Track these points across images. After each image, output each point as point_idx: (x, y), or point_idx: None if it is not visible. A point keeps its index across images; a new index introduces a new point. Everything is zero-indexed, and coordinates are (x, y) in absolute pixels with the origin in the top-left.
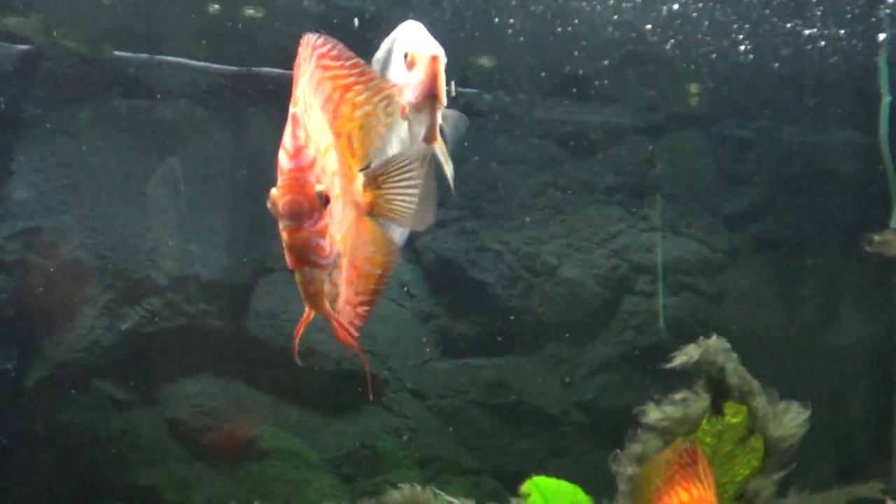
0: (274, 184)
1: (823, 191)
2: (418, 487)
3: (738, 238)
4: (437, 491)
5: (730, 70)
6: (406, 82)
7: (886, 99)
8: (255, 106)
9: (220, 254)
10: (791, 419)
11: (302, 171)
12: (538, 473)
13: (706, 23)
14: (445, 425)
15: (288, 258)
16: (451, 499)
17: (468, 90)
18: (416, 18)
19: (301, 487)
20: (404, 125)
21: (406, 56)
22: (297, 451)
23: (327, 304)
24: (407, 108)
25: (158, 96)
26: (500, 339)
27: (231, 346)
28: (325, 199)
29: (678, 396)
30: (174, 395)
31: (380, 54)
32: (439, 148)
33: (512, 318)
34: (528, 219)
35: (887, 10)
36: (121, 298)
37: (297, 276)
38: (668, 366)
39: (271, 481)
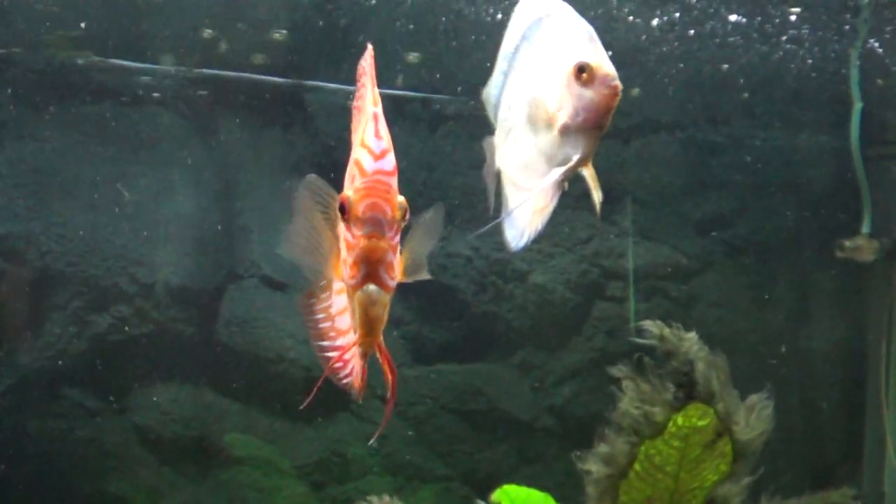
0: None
1: (795, 196)
2: (387, 498)
3: (710, 243)
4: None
5: (701, 75)
6: (564, 95)
7: (858, 105)
8: (225, 111)
9: (189, 260)
10: (757, 418)
11: (387, 175)
12: (509, 480)
13: (676, 28)
14: (416, 432)
15: (355, 272)
16: None
17: (439, 97)
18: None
19: (271, 495)
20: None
21: (582, 70)
22: (267, 458)
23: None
24: (558, 125)
25: (128, 102)
26: (470, 345)
27: (201, 353)
28: (404, 213)
29: (645, 388)
30: (143, 402)
31: (511, 42)
32: (589, 172)
33: (482, 324)
34: (497, 224)
35: (861, 15)
36: (89, 305)
37: (359, 297)
38: (643, 342)
39: (241, 488)
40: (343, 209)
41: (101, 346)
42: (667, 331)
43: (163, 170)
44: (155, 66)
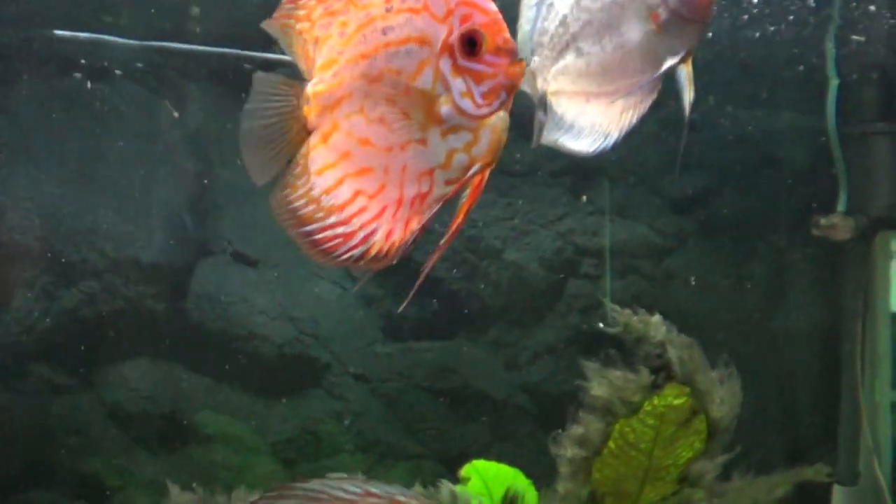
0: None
1: (771, 175)
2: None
3: (685, 222)
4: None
5: None
6: None
7: (834, 82)
8: (195, 85)
9: (159, 236)
10: (728, 393)
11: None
12: (482, 457)
13: None
14: (388, 409)
15: (491, 99)
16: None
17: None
18: None
19: (242, 472)
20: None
21: None
22: (238, 435)
23: None
24: (663, 17)
25: (97, 75)
26: (443, 322)
27: (170, 330)
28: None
29: (618, 373)
30: (113, 378)
31: None
32: (688, 70)
33: (456, 301)
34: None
35: None
36: (58, 281)
37: (499, 122)
38: (609, 331)
39: (212, 466)
40: (474, 42)
41: (71, 322)
42: (633, 318)
43: (133, 144)
44: (126, 40)
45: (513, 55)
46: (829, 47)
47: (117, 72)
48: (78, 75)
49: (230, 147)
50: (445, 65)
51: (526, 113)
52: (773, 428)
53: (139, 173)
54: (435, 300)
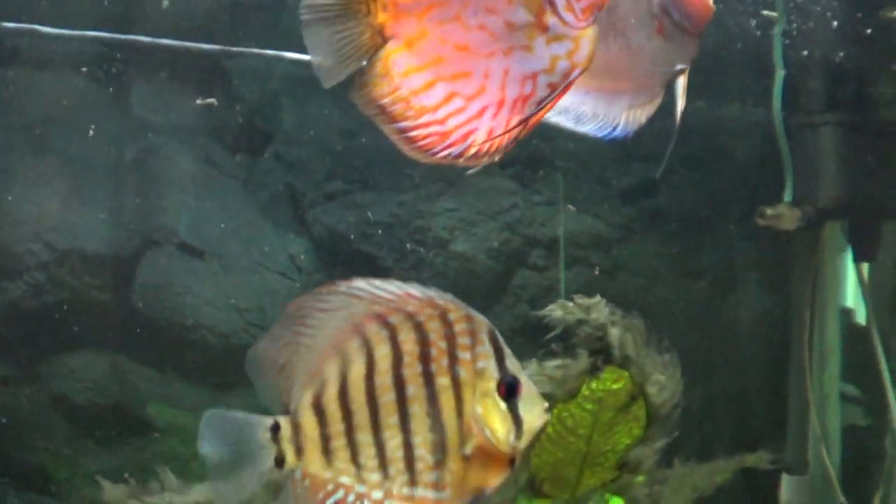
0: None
1: (719, 166)
2: None
3: (633, 212)
4: None
5: None
6: None
7: (780, 73)
8: (142, 77)
9: (104, 227)
10: (671, 380)
11: None
12: None
13: None
14: None
15: (588, 15)
16: None
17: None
18: None
19: (189, 463)
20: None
21: None
22: (185, 426)
23: None
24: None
25: (41, 67)
26: None
27: (116, 321)
28: None
29: (556, 363)
30: (58, 370)
31: None
32: (682, 82)
33: None
34: (418, 192)
35: None
36: (2, 272)
37: (593, 34)
38: (546, 318)
39: (159, 457)
40: None
41: (15, 314)
42: (569, 305)
43: (78, 136)
44: (70, 32)
45: None
46: (776, 38)
47: (61, 62)
48: (20, 67)
49: (177, 139)
50: None
51: None
52: (722, 418)
53: (84, 164)
54: None
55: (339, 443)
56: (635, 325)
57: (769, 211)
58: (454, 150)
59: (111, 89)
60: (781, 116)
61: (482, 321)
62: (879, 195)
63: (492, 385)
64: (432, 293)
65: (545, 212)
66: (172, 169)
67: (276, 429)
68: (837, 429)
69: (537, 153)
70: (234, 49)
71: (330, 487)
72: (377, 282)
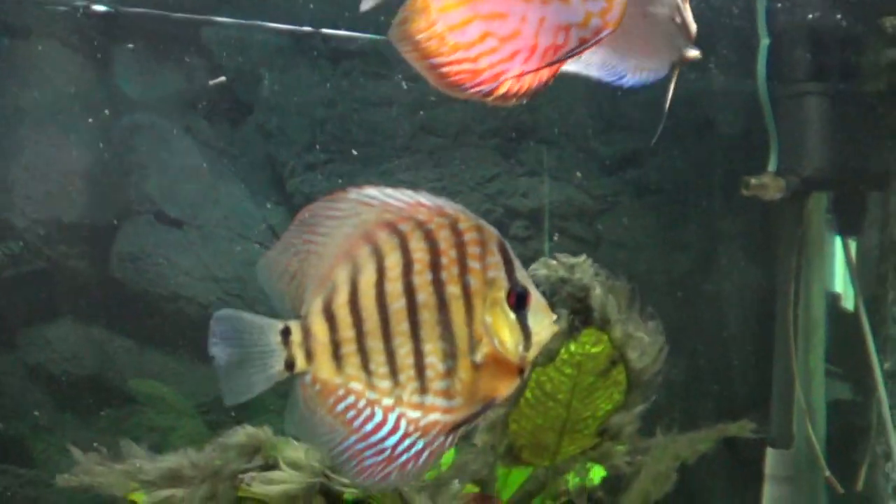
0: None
1: (704, 137)
2: (251, 429)
3: (617, 183)
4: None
5: None
6: None
7: (765, 41)
8: (120, 46)
9: (82, 196)
10: (653, 346)
11: None
12: None
13: None
14: None
15: None
16: (287, 438)
17: (339, 33)
18: None
19: (166, 434)
20: None
21: None
22: (162, 397)
23: None
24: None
25: (18, 35)
26: None
27: (93, 291)
28: None
29: None
30: (34, 340)
31: None
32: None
33: None
34: (400, 162)
35: None
36: None
37: None
38: (536, 274)
39: (135, 428)
40: None
41: None
42: (552, 263)
43: (55, 105)
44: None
45: None
46: (760, 6)
47: (41, 30)
48: None
49: (154, 108)
50: None
51: None
52: (706, 391)
53: (61, 133)
54: None
55: (349, 349)
56: (619, 287)
57: (753, 181)
58: (484, 88)
59: (90, 58)
60: (766, 85)
61: (492, 231)
62: (864, 166)
63: (502, 295)
64: (442, 202)
65: (528, 183)
66: (151, 138)
67: (286, 333)
68: (822, 402)
69: (520, 124)
70: (215, 18)
71: (341, 393)
72: (388, 189)
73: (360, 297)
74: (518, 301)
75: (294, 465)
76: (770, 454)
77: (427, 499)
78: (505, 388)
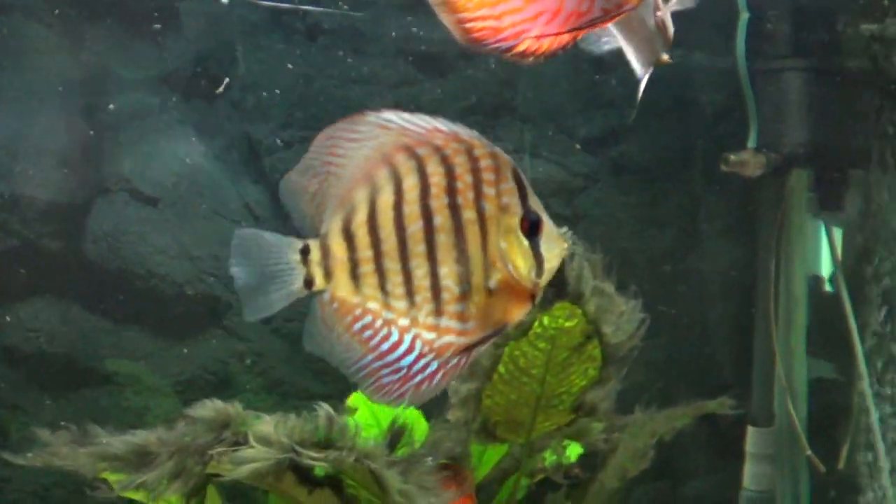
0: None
1: (684, 114)
2: (220, 403)
3: (596, 161)
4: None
5: None
6: None
7: (744, 16)
8: (93, 21)
9: (56, 174)
10: (627, 321)
11: None
12: None
13: None
14: (291, 349)
15: None
16: (257, 413)
17: (316, 9)
18: None
19: (141, 413)
20: None
21: None
22: (138, 376)
23: None
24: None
25: None
26: None
27: (68, 269)
28: None
29: None
30: (9, 320)
31: None
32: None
33: None
34: None
35: None
36: None
37: None
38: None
39: (111, 408)
40: None
41: None
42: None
43: (28, 81)
44: None
45: None
46: None
47: (12, 6)
48: None
49: (129, 85)
50: None
51: None
52: (686, 369)
53: (34, 111)
54: None
55: (367, 269)
56: (594, 259)
57: (733, 157)
58: (504, 45)
59: (63, 34)
60: (745, 61)
61: (506, 158)
62: (845, 142)
63: (515, 221)
64: (458, 128)
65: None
66: (125, 115)
67: (305, 251)
68: (804, 381)
69: (499, 101)
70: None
71: (358, 312)
72: (406, 114)
73: (379, 217)
74: (532, 228)
75: (263, 441)
76: (751, 432)
77: (398, 474)
78: (517, 313)
